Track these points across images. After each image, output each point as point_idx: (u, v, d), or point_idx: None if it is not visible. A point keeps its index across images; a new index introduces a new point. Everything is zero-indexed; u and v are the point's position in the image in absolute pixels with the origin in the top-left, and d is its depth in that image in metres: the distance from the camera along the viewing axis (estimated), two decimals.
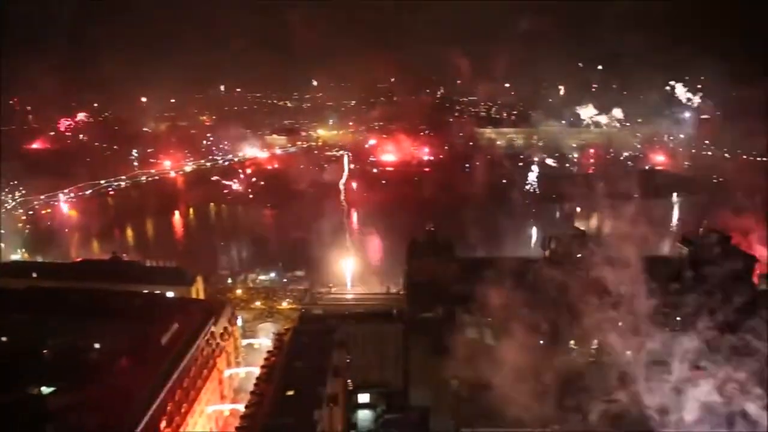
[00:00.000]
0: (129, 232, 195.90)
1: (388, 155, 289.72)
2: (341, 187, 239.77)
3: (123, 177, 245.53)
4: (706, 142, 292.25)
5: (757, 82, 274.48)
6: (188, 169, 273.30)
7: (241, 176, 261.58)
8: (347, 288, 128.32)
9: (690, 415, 59.87)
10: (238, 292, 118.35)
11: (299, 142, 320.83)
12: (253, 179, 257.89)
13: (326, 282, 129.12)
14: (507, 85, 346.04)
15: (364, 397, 79.60)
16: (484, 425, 62.63)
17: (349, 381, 75.25)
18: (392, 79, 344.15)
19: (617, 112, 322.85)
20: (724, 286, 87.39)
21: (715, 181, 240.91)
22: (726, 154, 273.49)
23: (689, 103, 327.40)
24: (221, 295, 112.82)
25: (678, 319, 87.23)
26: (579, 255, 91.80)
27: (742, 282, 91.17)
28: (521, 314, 73.35)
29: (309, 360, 68.49)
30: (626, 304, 76.30)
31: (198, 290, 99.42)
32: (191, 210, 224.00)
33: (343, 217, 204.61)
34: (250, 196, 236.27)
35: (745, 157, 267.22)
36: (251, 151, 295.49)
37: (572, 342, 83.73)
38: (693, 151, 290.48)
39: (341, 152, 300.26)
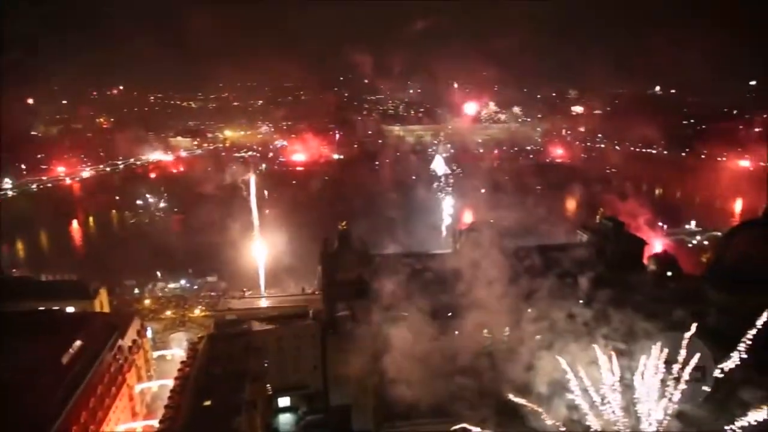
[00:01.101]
0: (19, 246, 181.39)
1: (298, 155, 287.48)
2: (251, 188, 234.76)
3: (9, 185, 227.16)
4: (599, 135, 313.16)
5: (641, 82, 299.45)
6: (86, 174, 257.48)
7: (145, 181, 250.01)
8: (261, 291, 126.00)
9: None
10: (147, 302, 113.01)
11: (206, 144, 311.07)
12: (158, 183, 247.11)
13: (240, 286, 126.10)
14: (411, 83, 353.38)
15: (284, 401, 78.62)
16: (404, 420, 63.70)
17: (268, 385, 74.02)
18: (299, 78, 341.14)
19: (517, 109, 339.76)
20: (619, 268, 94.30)
21: (608, 171, 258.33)
22: (617, 147, 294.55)
23: (582, 101, 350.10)
24: (128, 306, 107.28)
25: (581, 301, 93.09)
26: (487, 246, 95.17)
27: (634, 263, 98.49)
28: (435, 308, 75.33)
29: (225, 367, 66.65)
30: (530, 290, 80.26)
31: (102, 303, 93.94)
32: (91, 218, 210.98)
33: (253, 218, 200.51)
34: (157, 200, 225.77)
35: (632, 149, 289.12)
36: (155, 154, 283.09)
37: (485, 331, 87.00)
38: (588, 144, 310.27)
39: (250, 153, 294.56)
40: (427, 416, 62.97)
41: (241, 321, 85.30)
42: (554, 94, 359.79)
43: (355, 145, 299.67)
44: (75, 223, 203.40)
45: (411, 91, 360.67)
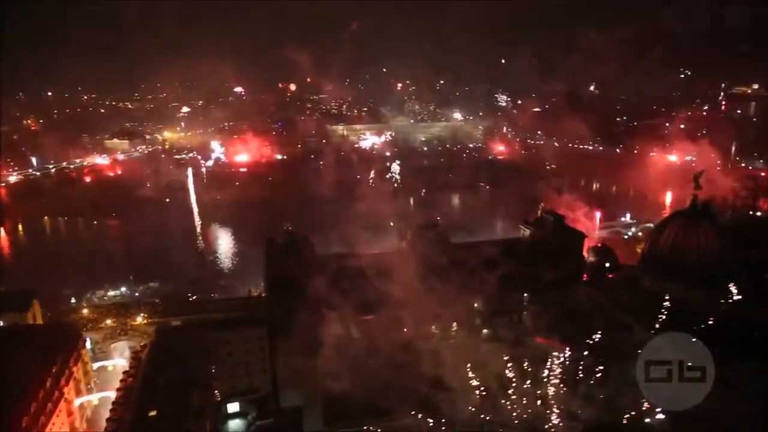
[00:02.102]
0: None
1: (240, 156, 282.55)
2: (192, 190, 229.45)
3: None
4: (539, 132, 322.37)
5: (577, 81, 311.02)
6: (13, 179, 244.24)
7: (80, 185, 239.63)
8: (206, 295, 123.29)
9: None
10: (85, 312, 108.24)
11: (143, 146, 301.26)
12: (94, 187, 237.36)
13: (184, 291, 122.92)
14: (354, 82, 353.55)
15: (233, 407, 77.20)
16: (355, 420, 63.72)
17: (216, 392, 72.56)
18: (240, 78, 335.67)
19: (458, 108, 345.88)
20: (559, 260, 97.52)
21: (547, 167, 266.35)
22: (555, 143, 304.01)
23: (522, 99, 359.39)
24: (64, 317, 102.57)
25: (525, 295, 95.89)
26: (433, 244, 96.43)
27: (573, 255, 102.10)
28: (381, 307, 75.63)
29: (171, 375, 64.86)
30: (474, 286, 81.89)
31: (35, 315, 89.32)
32: (20, 226, 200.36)
33: (196, 222, 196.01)
34: (92, 205, 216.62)
35: (570, 145, 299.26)
36: (90, 157, 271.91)
37: (433, 327, 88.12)
38: (528, 141, 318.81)
39: (191, 155, 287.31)
40: (378, 414, 63.22)
41: (186, 327, 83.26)
42: (494, 93, 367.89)
43: (299, 145, 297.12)
44: (2, 231, 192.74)
45: (354, 89, 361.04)
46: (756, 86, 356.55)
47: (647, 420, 62.40)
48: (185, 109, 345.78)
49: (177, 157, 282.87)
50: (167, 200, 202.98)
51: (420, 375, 66.81)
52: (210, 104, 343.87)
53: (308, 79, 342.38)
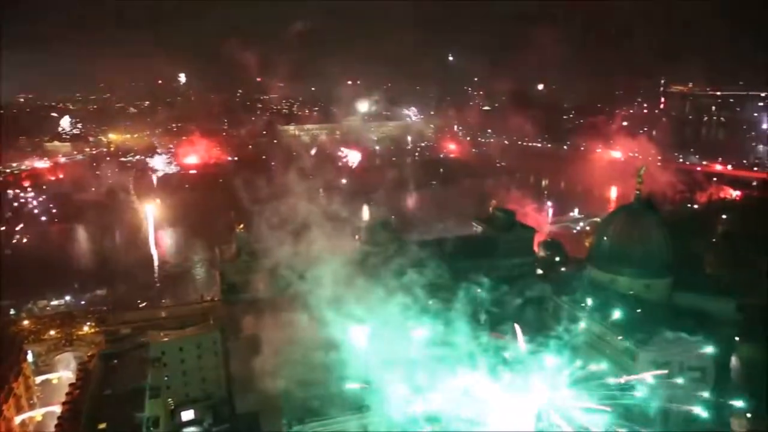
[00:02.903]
0: None
1: (190, 157, 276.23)
2: (140, 194, 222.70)
3: None
4: (489, 131, 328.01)
5: (525, 81, 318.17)
6: None
7: (18, 190, 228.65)
8: (157, 301, 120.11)
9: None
10: (25, 323, 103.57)
11: (87, 149, 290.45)
12: (34, 192, 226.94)
13: (133, 298, 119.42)
14: (305, 82, 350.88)
15: (188, 414, 75.23)
16: (315, 417, 63.20)
17: (169, 400, 70.66)
18: (189, 78, 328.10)
19: (409, 106, 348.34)
20: (511, 255, 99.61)
21: (497, 164, 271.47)
22: (505, 141, 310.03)
23: (472, 98, 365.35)
24: (2, 330, 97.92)
25: (479, 291, 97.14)
26: (388, 239, 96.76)
27: (525, 250, 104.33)
28: (337, 304, 75.28)
29: (121, 385, 62.97)
30: (430, 281, 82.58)
31: None
32: None
33: (145, 226, 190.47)
34: (33, 211, 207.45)
35: (519, 143, 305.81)
36: (28, 161, 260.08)
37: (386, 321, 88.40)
38: (479, 139, 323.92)
39: (138, 157, 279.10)
40: (337, 411, 62.91)
41: (136, 334, 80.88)
42: (445, 92, 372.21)
43: (250, 146, 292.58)
44: None
45: (306, 89, 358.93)
46: (690, 85, 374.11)
47: None
48: (131, 110, 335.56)
49: (123, 159, 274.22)
50: (113, 204, 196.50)
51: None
52: (157, 105, 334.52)
53: (258, 79, 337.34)
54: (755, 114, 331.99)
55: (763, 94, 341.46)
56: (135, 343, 74.72)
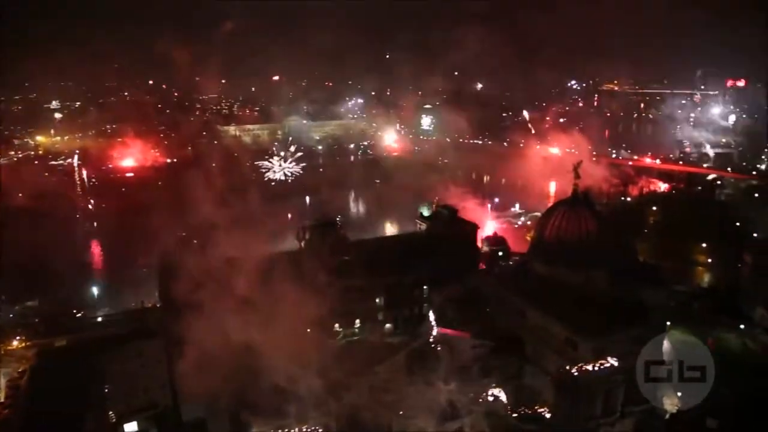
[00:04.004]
0: None
1: (126, 160, 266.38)
2: (73, 199, 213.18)
3: None
4: (430, 128, 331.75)
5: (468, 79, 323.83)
6: None
7: None
8: (94, 310, 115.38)
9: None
10: None
11: (11, 152, 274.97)
12: None
13: (68, 308, 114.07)
14: (238, 82, 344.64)
15: (131, 426, 72.59)
16: (266, 420, 62.40)
17: (111, 413, 68.03)
18: (123, 78, 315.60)
19: (351, 106, 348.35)
20: (455, 251, 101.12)
21: (440, 162, 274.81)
22: (446, 139, 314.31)
23: (413, 96, 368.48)
24: None
25: (425, 287, 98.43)
26: (332, 242, 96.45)
27: (468, 246, 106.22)
28: (285, 307, 74.54)
29: (57, 401, 59.79)
30: (375, 280, 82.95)
31: None
32: None
33: (79, 232, 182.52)
34: None
35: (460, 140, 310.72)
36: None
37: (337, 326, 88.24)
38: (421, 137, 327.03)
39: (69, 160, 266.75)
40: (287, 415, 62.32)
41: (72, 347, 77.38)
42: (387, 90, 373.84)
43: (189, 148, 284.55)
44: None
45: (246, 89, 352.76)
46: (620, 83, 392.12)
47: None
48: (61, 111, 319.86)
49: (53, 163, 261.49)
50: (43, 210, 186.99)
51: (322, 374, 66.64)
52: (89, 106, 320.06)
53: (197, 79, 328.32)
54: (679, 111, 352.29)
55: (686, 92, 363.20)
56: (71, 356, 71.34)
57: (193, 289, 79.84)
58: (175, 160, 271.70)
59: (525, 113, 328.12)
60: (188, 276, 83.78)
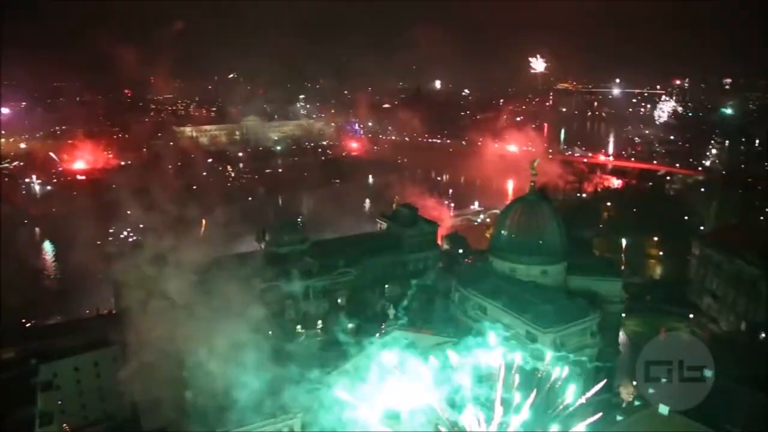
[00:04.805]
0: None
1: (78, 162, 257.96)
2: (20, 204, 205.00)
3: None
4: (389, 128, 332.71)
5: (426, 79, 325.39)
6: None
7: None
8: (46, 319, 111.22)
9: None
10: None
11: None
12: None
13: (17, 318, 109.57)
14: (194, 82, 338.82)
15: None
16: (230, 425, 61.39)
17: (65, 425, 65.83)
18: (74, 78, 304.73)
19: (310, 106, 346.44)
20: (415, 250, 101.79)
21: (399, 161, 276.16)
22: (406, 138, 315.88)
23: (372, 96, 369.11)
24: None
25: (387, 286, 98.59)
26: (294, 240, 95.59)
27: (429, 244, 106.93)
28: (248, 310, 73.46)
29: (5, 417, 57.30)
30: (336, 279, 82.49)
31: None
32: None
33: (27, 237, 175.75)
34: None
35: (420, 139, 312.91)
36: None
37: (299, 326, 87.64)
38: (380, 136, 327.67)
39: (15, 163, 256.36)
40: (254, 417, 61.48)
41: (21, 358, 74.29)
42: (345, 91, 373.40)
43: (144, 149, 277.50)
44: None
45: (203, 89, 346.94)
46: (575, 83, 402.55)
47: None
48: (3, 111, 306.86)
49: None
50: None
51: (281, 374, 66.06)
52: (36, 106, 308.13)
53: (151, 79, 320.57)
54: (630, 110, 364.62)
55: (636, 91, 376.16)
56: (21, 368, 68.35)
57: (150, 296, 77.98)
58: (129, 162, 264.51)
59: (484, 113, 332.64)
60: (145, 282, 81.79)
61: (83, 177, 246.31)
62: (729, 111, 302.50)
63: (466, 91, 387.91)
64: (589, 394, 62.46)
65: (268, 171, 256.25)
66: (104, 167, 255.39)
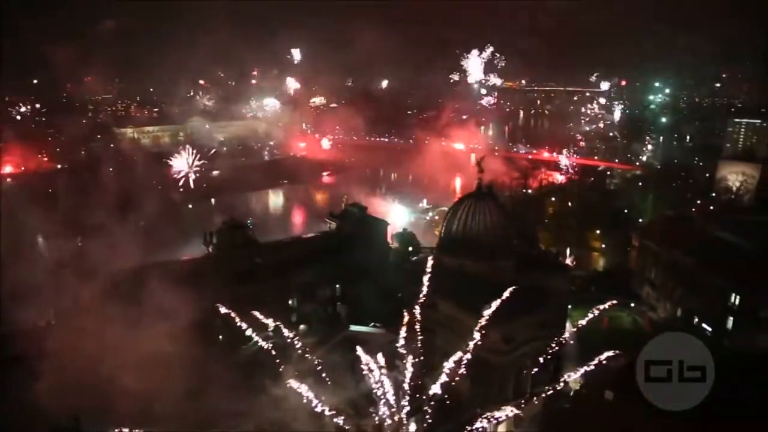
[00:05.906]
0: None
1: (5, 166, 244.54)
2: None
3: None
4: (337, 127, 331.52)
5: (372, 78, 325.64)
6: None
7: None
8: None
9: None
10: None
11: None
12: None
13: None
14: (134, 82, 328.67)
15: None
16: None
17: None
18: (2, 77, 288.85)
19: (254, 105, 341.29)
20: (365, 249, 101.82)
21: (347, 161, 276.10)
22: (354, 137, 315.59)
23: (318, 95, 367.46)
24: None
25: (337, 285, 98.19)
26: (241, 245, 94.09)
27: (379, 243, 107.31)
28: (195, 315, 71.76)
29: None
30: (286, 281, 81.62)
31: None
32: None
33: None
34: None
35: (367, 138, 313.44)
36: None
37: (249, 330, 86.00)
38: (328, 136, 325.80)
39: None
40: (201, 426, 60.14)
41: None
42: (292, 90, 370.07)
43: (82, 152, 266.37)
44: None
45: (144, 90, 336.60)
46: (522, 82, 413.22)
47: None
48: None
49: None
50: None
51: (240, 380, 65.03)
52: None
53: (87, 79, 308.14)
54: (571, 107, 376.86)
55: (578, 90, 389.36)
56: None
57: (91, 305, 75.11)
58: (65, 165, 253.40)
59: (430, 112, 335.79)
60: (85, 291, 78.71)
61: (10, 180, 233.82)
62: (662, 109, 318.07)
63: (413, 90, 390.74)
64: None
65: (214, 172, 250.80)
66: (36, 170, 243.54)
